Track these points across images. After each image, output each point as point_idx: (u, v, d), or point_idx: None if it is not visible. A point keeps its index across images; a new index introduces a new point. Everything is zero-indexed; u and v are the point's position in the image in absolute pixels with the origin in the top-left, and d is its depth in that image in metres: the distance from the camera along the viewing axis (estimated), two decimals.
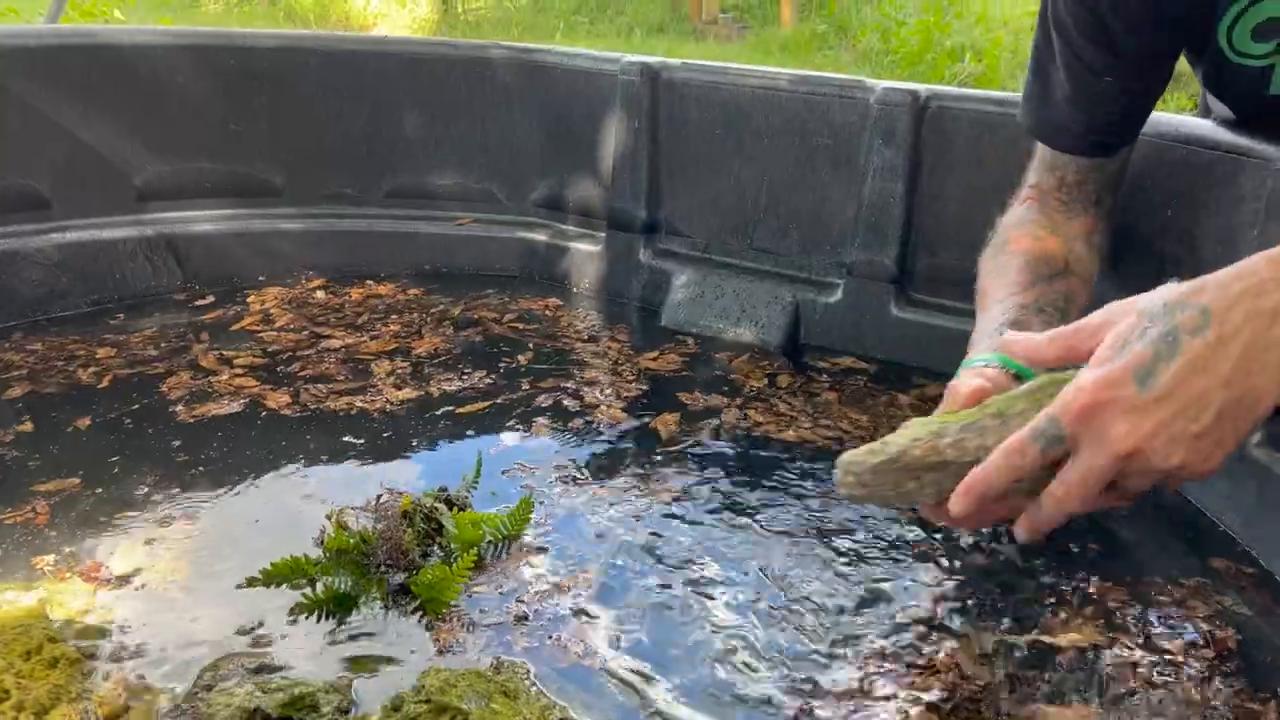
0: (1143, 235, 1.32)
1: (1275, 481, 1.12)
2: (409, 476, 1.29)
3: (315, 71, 1.98)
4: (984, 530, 1.18)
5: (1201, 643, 0.99)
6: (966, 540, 1.17)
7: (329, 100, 1.99)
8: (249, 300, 1.85)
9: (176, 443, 1.35)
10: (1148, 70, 1.07)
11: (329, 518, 1.13)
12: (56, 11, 4.12)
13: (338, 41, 2.07)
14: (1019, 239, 1.14)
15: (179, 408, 1.45)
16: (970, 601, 1.07)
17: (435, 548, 1.11)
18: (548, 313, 1.85)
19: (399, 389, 1.52)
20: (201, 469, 1.29)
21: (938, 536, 1.18)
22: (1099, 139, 1.11)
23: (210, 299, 1.86)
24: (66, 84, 1.80)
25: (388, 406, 1.47)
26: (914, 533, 1.18)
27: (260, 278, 1.94)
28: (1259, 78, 1.00)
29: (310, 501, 1.23)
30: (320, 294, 1.90)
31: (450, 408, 1.47)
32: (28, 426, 1.38)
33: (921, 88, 1.57)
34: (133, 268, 1.86)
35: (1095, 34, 1.03)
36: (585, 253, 1.95)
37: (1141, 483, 0.72)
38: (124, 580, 1.07)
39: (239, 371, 1.57)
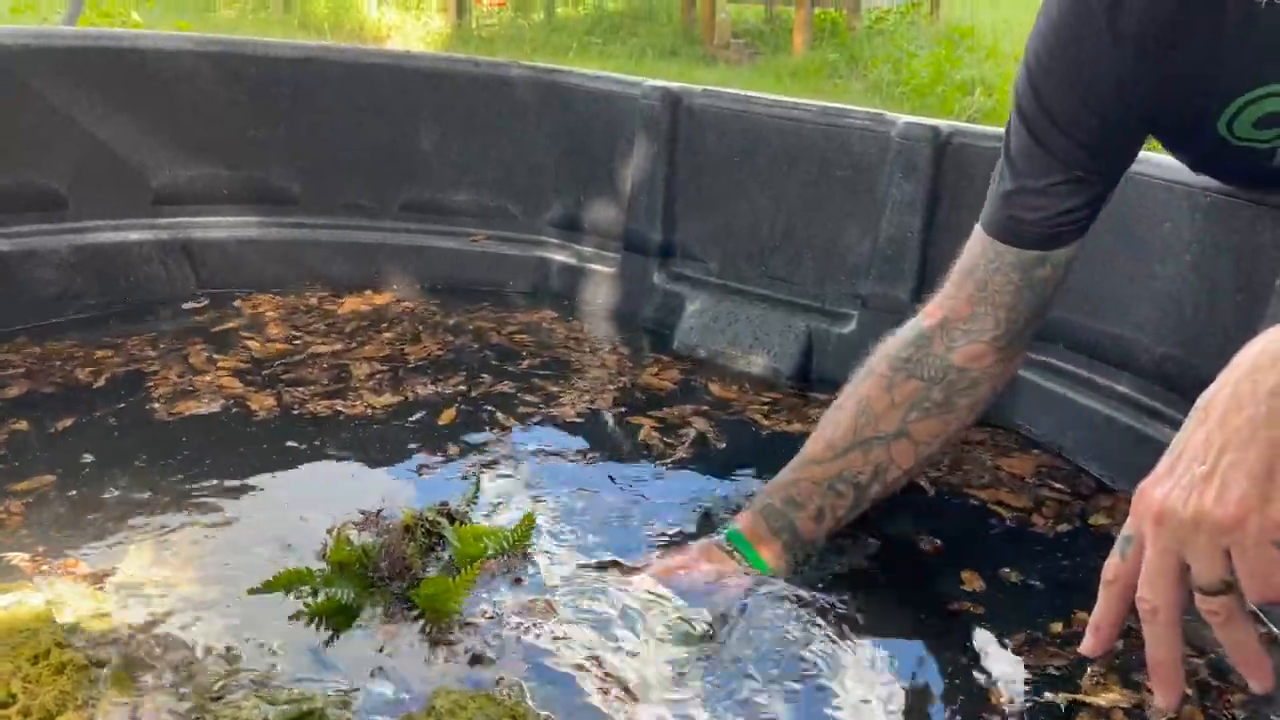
0: (1161, 279, 1.32)
1: None
2: (398, 483, 1.30)
3: (335, 83, 1.98)
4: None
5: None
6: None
7: (348, 112, 1.99)
8: (254, 307, 1.85)
9: (169, 446, 1.35)
10: (1120, 162, 1.08)
11: (330, 532, 1.13)
12: (74, 12, 4.14)
13: (359, 54, 2.08)
14: (872, 382, 1.16)
15: (168, 410, 1.45)
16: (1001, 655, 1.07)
17: (436, 561, 1.11)
18: (558, 330, 1.85)
19: (393, 395, 1.53)
20: (196, 474, 1.29)
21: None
22: (1054, 227, 1.08)
23: (217, 304, 1.86)
24: (87, 85, 1.81)
25: (380, 412, 1.48)
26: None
27: (273, 286, 1.94)
28: (1265, 155, 1.01)
29: (309, 506, 1.23)
30: (325, 302, 1.90)
31: (437, 415, 1.48)
32: (22, 425, 1.38)
33: (943, 124, 1.58)
34: (147, 271, 1.86)
35: (1071, 130, 1.03)
36: (598, 274, 1.95)
37: (1201, 566, 0.72)
38: (131, 586, 1.06)
39: (232, 373, 1.57)
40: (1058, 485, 1.38)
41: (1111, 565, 0.80)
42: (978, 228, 1.14)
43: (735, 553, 1.14)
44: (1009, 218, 1.09)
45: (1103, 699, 0.99)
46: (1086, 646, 0.83)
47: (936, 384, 1.14)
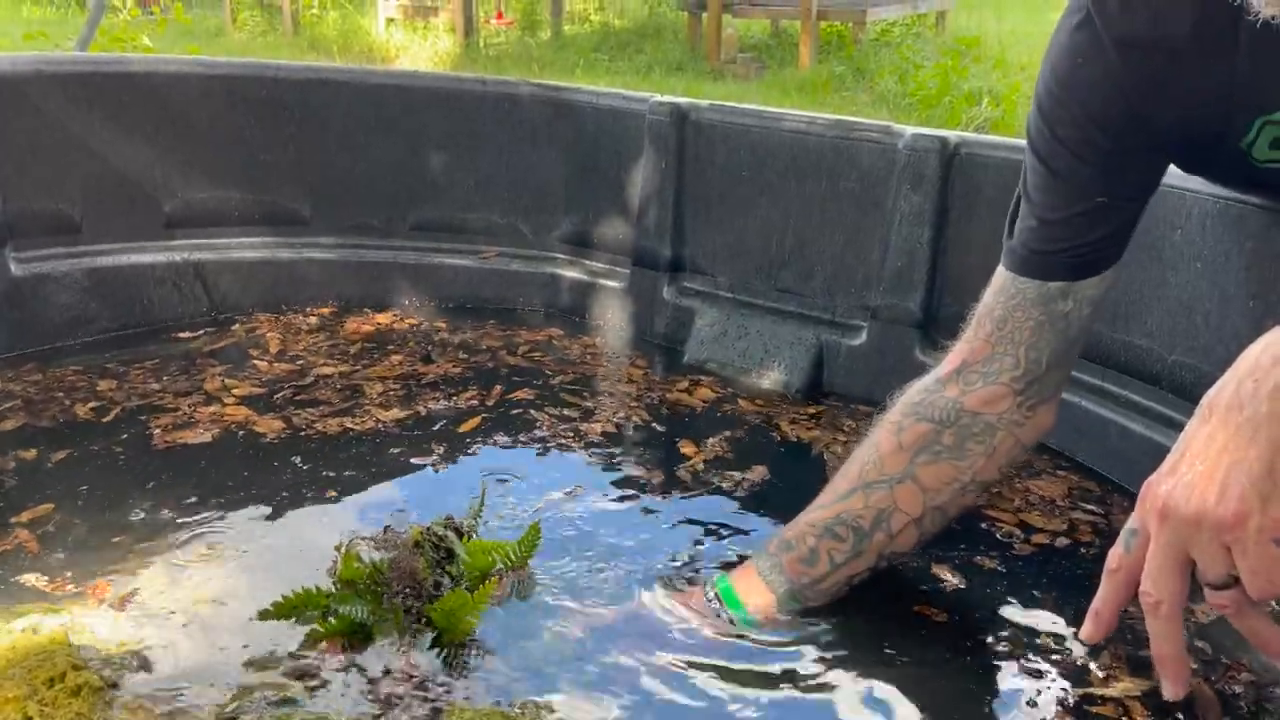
0: (1173, 288, 1.32)
1: None
2: (412, 501, 1.31)
3: (344, 104, 1.99)
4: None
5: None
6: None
7: (357, 132, 2.00)
8: (268, 328, 1.86)
9: (179, 471, 1.36)
10: (1140, 187, 1.06)
11: (338, 548, 1.13)
12: (87, 38, 4.18)
13: (367, 75, 2.09)
14: (883, 428, 1.12)
15: (179, 436, 1.45)
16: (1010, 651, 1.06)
17: (445, 576, 1.10)
18: (569, 345, 1.85)
19: (402, 411, 1.54)
20: (207, 497, 1.30)
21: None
22: (1076, 257, 1.05)
23: (232, 325, 1.87)
24: (100, 111, 1.82)
25: (390, 430, 1.48)
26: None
27: (285, 306, 1.95)
28: None
29: (324, 526, 1.24)
30: (337, 322, 1.91)
31: (451, 431, 1.49)
32: (29, 454, 1.39)
33: (951, 135, 1.58)
34: (160, 294, 1.87)
35: (1085, 153, 1.02)
36: (609, 289, 1.95)
37: (1205, 562, 0.74)
38: (146, 609, 1.06)
39: (246, 396, 1.58)
40: (1090, 507, 1.36)
41: (1115, 555, 0.82)
42: (998, 268, 1.11)
43: (716, 600, 1.09)
44: (1030, 252, 1.07)
45: (1115, 689, 0.99)
46: (1085, 631, 0.86)
47: (947, 428, 1.09)
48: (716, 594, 1.10)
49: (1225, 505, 0.71)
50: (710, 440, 1.50)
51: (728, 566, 1.17)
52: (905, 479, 1.08)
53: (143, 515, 1.25)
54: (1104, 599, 0.84)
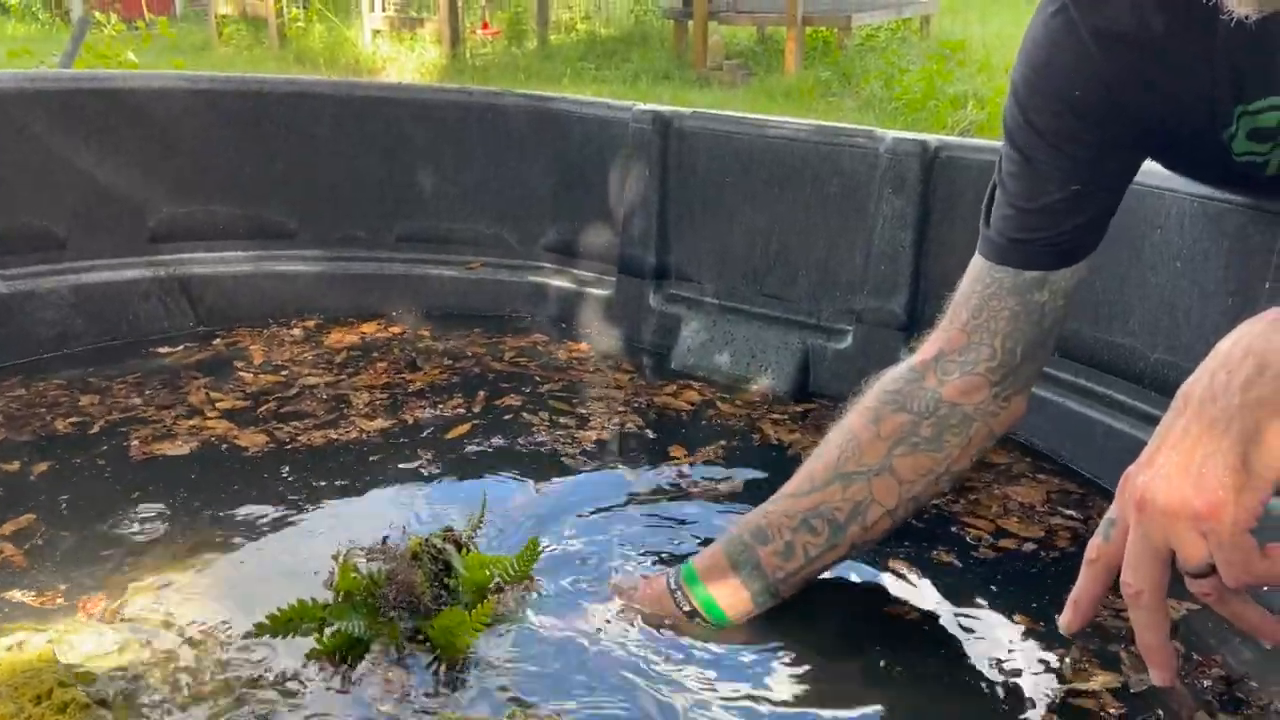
0: (1154, 287, 1.33)
1: None
2: (405, 508, 1.31)
3: (330, 116, 2.00)
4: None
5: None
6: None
7: (343, 145, 2.01)
8: (253, 341, 1.86)
9: (168, 484, 1.35)
10: (1117, 177, 1.06)
11: (335, 558, 1.12)
12: (71, 55, 4.18)
13: (353, 87, 2.10)
14: (859, 415, 1.11)
15: (169, 447, 1.45)
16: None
17: (443, 590, 1.10)
18: (556, 354, 1.85)
19: (390, 421, 1.54)
20: (197, 509, 1.29)
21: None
22: (1050, 245, 1.05)
23: (218, 340, 1.87)
24: (84, 127, 1.82)
25: (382, 439, 1.49)
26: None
27: (271, 319, 1.95)
28: (1261, 166, 1.02)
29: (313, 537, 1.24)
30: (325, 334, 1.91)
31: (439, 439, 1.49)
32: (13, 466, 1.38)
33: (931, 138, 1.59)
34: (146, 308, 1.87)
35: (1063, 144, 1.02)
36: (595, 297, 1.96)
37: (1184, 552, 0.75)
38: (134, 623, 1.06)
39: (234, 410, 1.58)
40: (1069, 511, 1.36)
41: (1095, 545, 0.83)
42: (974, 257, 1.11)
43: (679, 592, 1.08)
44: (1007, 240, 1.07)
45: (1093, 683, 1.00)
46: (1064, 621, 0.86)
47: (926, 419, 1.09)
48: (687, 594, 1.08)
49: (1200, 496, 0.72)
50: (700, 446, 1.50)
51: None
52: (883, 471, 1.08)
53: (127, 528, 1.25)
54: (1083, 588, 0.84)
